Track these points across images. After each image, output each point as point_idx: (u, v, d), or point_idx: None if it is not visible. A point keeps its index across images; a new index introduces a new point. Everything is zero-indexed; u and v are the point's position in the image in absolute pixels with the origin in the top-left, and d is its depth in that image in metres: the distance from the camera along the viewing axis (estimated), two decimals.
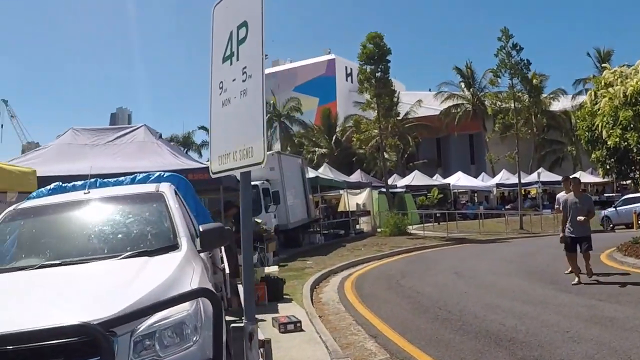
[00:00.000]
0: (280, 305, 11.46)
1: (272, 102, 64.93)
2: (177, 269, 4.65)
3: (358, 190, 37.80)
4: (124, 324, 3.63)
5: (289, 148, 59.45)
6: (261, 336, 4.97)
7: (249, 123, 4.14)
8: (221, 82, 4.62)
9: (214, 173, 4.81)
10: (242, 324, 4.29)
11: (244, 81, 4.21)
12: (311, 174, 31.05)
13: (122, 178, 7.72)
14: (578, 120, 20.45)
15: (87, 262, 5.03)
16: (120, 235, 5.61)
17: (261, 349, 4.53)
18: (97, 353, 3.44)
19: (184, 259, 4.96)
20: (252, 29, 4.21)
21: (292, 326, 9.17)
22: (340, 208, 37.52)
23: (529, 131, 37.92)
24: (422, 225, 33.28)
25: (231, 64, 4.45)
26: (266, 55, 3.94)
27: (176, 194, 6.61)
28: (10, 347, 3.47)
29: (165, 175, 7.71)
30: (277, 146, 59.95)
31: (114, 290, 4.20)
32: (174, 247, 5.24)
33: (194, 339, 3.95)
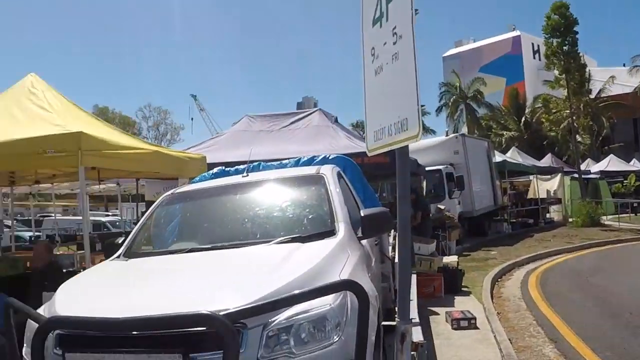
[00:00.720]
0: (457, 299, 10.87)
1: (457, 84, 63.41)
2: (328, 257, 4.27)
3: (549, 176, 35.52)
4: (254, 315, 3.29)
5: (476, 131, 57.36)
6: (418, 337, 4.41)
7: (401, 91, 3.57)
8: (373, 48, 4.09)
9: (369, 151, 4.33)
10: (393, 323, 3.78)
11: (394, 43, 3.64)
12: (498, 158, 29.50)
13: (285, 161, 7.48)
14: None
15: (237, 247, 4.81)
16: (274, 220, 5.38)
17: (414, 353, 3.94)
18: (222, 346, 3.09)
19: (339, 245, 4.57)
20: None
21: (465, 323, 8.57)
22: (530, 195, 35.46)
23: None
24: (617, 216, 30.44)
25: (381, 26, 3.90)
26: (417, 10, 3.35)
27: (341, 177, 6.22)
28: (135, 333, 3.31)
29: (330, 157, 7.33)
30: (463, 129, 58.21)
31: (254, 278, 3.92)
32: (330, 232, 4.85)
33: (336, 337, 3.52)
